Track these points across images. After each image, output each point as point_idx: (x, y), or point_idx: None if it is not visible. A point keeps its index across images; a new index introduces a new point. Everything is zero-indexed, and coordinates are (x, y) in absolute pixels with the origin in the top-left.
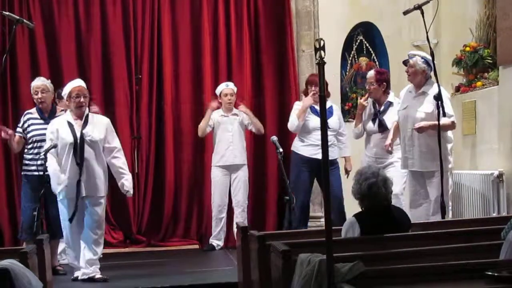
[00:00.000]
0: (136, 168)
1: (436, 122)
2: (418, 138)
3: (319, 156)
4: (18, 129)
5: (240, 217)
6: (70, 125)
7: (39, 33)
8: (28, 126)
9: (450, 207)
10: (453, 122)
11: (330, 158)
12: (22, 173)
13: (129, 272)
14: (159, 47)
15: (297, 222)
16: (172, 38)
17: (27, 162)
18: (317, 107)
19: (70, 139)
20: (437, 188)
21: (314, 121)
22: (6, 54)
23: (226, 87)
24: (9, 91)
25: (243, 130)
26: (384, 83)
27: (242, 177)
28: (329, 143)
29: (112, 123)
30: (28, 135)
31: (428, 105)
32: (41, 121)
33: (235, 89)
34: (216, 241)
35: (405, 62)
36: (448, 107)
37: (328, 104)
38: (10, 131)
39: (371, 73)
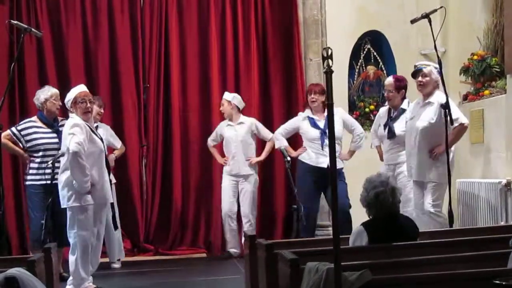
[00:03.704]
0: (144, 176)
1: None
2: (418, 148)
3: (324, 165)
4: (16, 132)
5: (246, 229)
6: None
7: (47, 42)
8: (30, 134)
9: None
10: (461, 124)
11: (337, 167)
12: (29, 183)
13: (137, 280)
14: (167, 56)
15: (304, 231)
16: (179, 47)
17: (34, 171)
18: (316, 118)
19: (101, 144)
20: (430, 200)
21: (313, 133)
22: (14, 62)
23: (223, 97)
24: (17, 99)
25: (250, 138)
26: (403, 90)
27: (248, 188)
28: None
29: (119, 131)
30: (32, 143)
31: (431, 114)
32: (47, 130)
33: (229, 97)
34: (233, 249)
35: (414, 74)
36: (454, 111)
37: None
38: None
39: (389, 80)
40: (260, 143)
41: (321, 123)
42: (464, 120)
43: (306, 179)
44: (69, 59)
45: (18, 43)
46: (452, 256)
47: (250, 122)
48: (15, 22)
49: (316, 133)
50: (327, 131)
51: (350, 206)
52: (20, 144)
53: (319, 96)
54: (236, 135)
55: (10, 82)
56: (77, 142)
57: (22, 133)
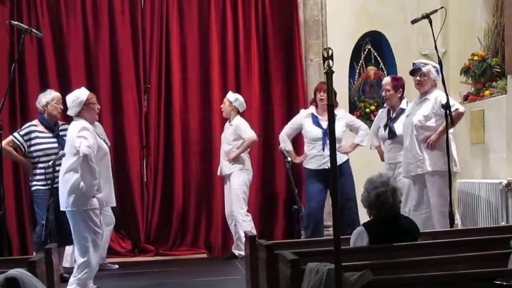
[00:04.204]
0: (144, 177)
1: (439, 128)
2: (415, 143)
3: (326, 166)
4: (19, 137)
5: (234, 228)
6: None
7: (48, 43)
8: (32, 139)
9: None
10: (456, 110)
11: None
12: (35, 188)
13: (138, 281)
14: (168, 57)
15: (306, 231)
16: (180, 47)
17: (39, 177)
18: (320, 117)
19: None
20: (436, 196)
21: (315, 132)
22: (15, 63)
23: (227, 96)
24: (18, 101)
25: (234, 141)
26: (400, 89)
27: (230, 187)
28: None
29: (120, 132)
30: (34, 148)
31: (425, 109)
32: (48, 134)
33: (232, 97)
34: (237, 251)
35: (412, 72)
36: (450, 100)
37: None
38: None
39: (387, 79)
40: (262, 146)
41: (324, 123)
42: (459, 106)
43: (312, 184)
44: (69, 60)
45: (19, 44)
46: (453, 256)
47: (235, 124)
48: (16, 22)
49: (318, 132)
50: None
51: (355, 204)
52: (22, 149)
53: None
54: (224, 136)
55: (10, 83)
56: (88, 145)
57: (25, 138)
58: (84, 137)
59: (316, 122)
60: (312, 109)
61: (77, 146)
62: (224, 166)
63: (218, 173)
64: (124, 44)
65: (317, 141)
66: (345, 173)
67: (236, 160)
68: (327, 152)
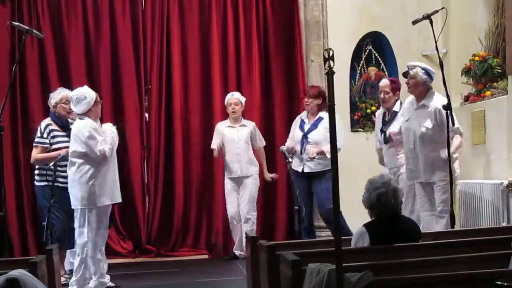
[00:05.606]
0: (145, 178)
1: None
2: (421, 150)
3: (300, 169)
4: (42, 140)
5: (248, 228)
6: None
7: (49, 43)
8: (52, 137)
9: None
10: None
11: (314, 171)
12: (44, 184)
13: (139, 282)
14: (168, 57)
15: (306, 232)
16: (181, 48)
17: (57, 173)
18: (306, 120)
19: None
20: (441, 200)
21: (297, 135)
22: (16, 64)
23: (231, 97)
24: (19, 102)
25: (250, 141)
26: (398, 92)
27: (248, 188)
28: (311, 156)
29: (122, 133)
30: (56, 146)
31: (428, 120)
32: (62, 133)
33: (242, 99)
34: (238, 251)
35: (405, 74)
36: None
37: (320, 115)
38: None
39: (385, 82)
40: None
41: (306, 127)
42: (458, 138)
43: (296, 184)
44: (70, 60)
45: (20, 45)
46: (454, 257)
47: (252, 126)
48: (17, 23)
49: (299, 135)
50: (308, 135)
51: (330, 210)
52: (45, 148)
53: (313, 100)
54: (239, 137)
55: (11, 84)
56: (109, 147)
57: (49, 136)
58: (98, 139)
59: (301, 125)
60: (304, 114)
61: (96, 149)
62: (247, 167)
63: (239, 173)
64: (125, 45)
65: (298, 144)
66: (323, 181)
67: (254, 162)
68: (305, 155)
